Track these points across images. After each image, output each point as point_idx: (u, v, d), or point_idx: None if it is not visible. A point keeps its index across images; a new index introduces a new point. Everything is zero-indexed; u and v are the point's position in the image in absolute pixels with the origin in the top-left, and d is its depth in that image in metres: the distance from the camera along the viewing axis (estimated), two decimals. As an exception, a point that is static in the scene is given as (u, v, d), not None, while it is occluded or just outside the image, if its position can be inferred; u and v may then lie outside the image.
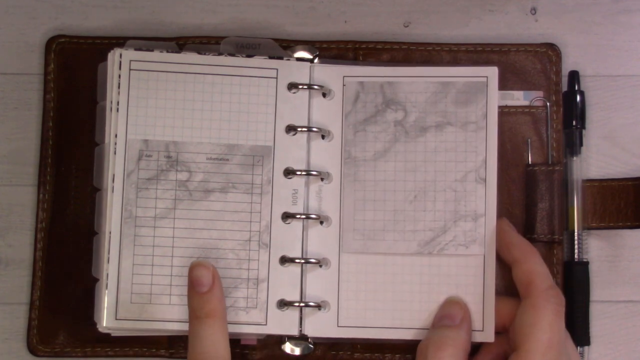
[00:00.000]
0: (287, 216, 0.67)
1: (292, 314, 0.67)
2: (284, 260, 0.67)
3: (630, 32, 0.74)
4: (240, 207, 0.67)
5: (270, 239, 0.67)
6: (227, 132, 0.67)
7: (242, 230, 0.67)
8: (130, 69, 0.66)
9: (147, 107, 0.66)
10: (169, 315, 0.66)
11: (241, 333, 0.67)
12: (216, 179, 0.66)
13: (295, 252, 0.67)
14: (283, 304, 0.67)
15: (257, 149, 0.67)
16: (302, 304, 0.67)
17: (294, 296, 0.67)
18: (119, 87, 0.66)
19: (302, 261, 0.67)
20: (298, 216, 0.67)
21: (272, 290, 0.67)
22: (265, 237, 0.67)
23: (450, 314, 0.66)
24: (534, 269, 0.65)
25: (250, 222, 0.67)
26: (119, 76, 0.66)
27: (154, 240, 0.66)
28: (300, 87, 0.68)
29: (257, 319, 0.66)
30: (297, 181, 0.68)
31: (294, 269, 0.67)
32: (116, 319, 0.65)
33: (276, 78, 0.68)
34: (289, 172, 0.67)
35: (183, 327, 0.65)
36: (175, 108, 0.67)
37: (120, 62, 0.67)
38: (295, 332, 0.67)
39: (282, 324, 0.67)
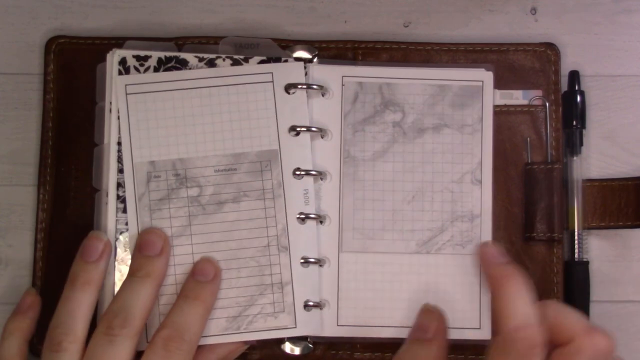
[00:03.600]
0: (303, 216, 0.67)
1: (317, 314, 0.67)
2: (305, 260, 0.67)
3: (630, 32, 0.74)
4: (254, 214, 0.66)
5: (288, 241, 0.67)
6: (231, 141, 0.67)
7: (259, 236, 0.66)
8: (126, 94, 0.66)
9: (148, 129, 0.66)
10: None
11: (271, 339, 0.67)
12: (227, 190, 0.66)
13: (314, 252, 0.67)
14: (308, 304, 0.67)
15: (263, 153, 0.67)
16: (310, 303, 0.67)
17: (315, 296, 0.67)
18: (118, 114, 0.66)
19: (317, 260, 0.67)
20: (312, 216, 0.67)
21: (297, 292, 0.66)
22: (284, 240, 0.66)
23: (423, 325, 0.62)
24: (500, 305, 0.59)
25: (267, 227, 0.66)
26: (120, 73, 0.66)
27: (174, 259, 0.66)
28: (299, 87, 0.68)
29: (286, 323, 0.66)
30: (307, 180, 0.68)
31: (314, 269, 0.67)
32: None
33: (272, 82, 0.68)
34: (298, 173, 0.67)
35: (217, 340, 0.65)
36: (177, 125, 0.66)
37: (122, 63, 0.66)
38: (320, 332, 0.67)
39: (309, 324, 0.67)
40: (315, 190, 0.68)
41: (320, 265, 0.68)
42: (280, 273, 0.66)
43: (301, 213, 0.67)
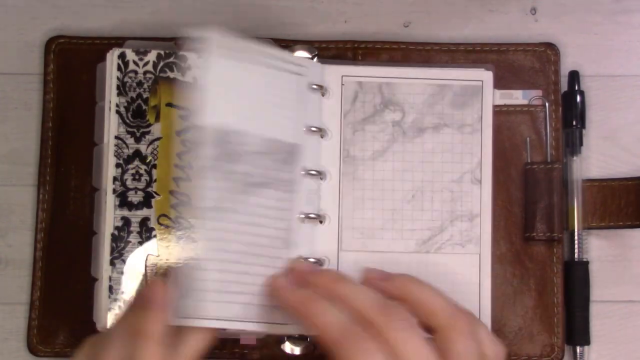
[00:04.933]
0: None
1: None
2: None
3: (630, 32, 0.75)
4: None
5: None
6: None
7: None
8: None
9: None
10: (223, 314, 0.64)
11: (243, 331, 0.67)
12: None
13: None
14: None
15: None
16: None
17: None
18: (119, 81, 0.66)
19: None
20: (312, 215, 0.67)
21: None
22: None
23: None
24: (313, 323, 0.57)
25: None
26: (119, 68, 0.66)
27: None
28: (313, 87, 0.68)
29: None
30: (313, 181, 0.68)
31: None
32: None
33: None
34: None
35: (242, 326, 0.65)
36: None
37: (122, 57, 0.66)
38: (294, 331, 0.67)
39: None
40: (314, 190, 0.68)
41: (320, 265, 0.68)
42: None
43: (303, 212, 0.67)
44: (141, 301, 0.57)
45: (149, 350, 0.54)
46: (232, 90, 0.64)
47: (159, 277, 0.63)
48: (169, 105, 0.67)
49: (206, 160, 0.62)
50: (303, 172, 0.66)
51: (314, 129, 0.67)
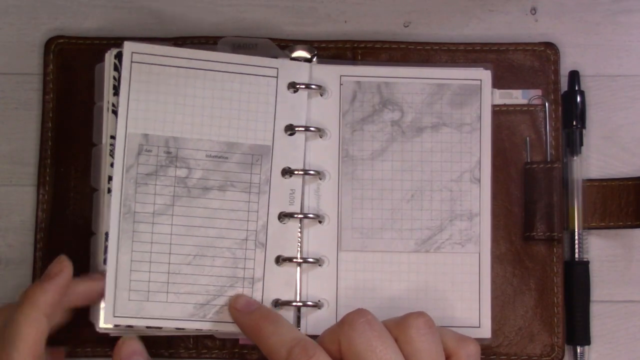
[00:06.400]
0: (283, 216, 0.67)
1: (288, 314, 0.67)
2: (280, 259, 0.67)
3: (630, 32, 0.74)
4: (238, 206, 0.66)
5: (266, 238, 0.67)
6: (227, 129, 0.67)
7: (239, 229, 0.66)
8: (132, 62, 0.66)
9: (147, 101, 0.66)
10: (166, 313, 0.65)
11: (237, 332, 0.67)
12: (215, 177, 0.66)
13: (292, 252, 0.67)
14: (278, 303, 0.66)
15: (256, 147, 0.67)
16: (299, 304, 0.67)
17: (289, 296, 0.67)
18: (115, 81, 0.66)
19: (300, 260, 0.67)
20: (295, 216, 0.67)
21: (267, 290, 0.67)
22: (262, 236, 0.67)
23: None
24: (267, 344, 0.59)
25: (248, 221, 0.67)
26: (116, 68, 0.66)
27: (152, 237, 0.66)
28: (299, 86, 0.68)
29: None
30: (295, 181, 0.68)
31: (289, 269, 0.67)
32: (114, 317, 0.64)
33: (276, 77, 0.68)
34: (286, 172, 0.67)
35: (181, 324, 0.65)
36: (176, 103, 0.66)
37: (118, 57, 0.66)
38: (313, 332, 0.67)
39: None
40: (314, 189, 0.68)
41: (319, 265, 0.68)
42: (253, 269, 0.66)
43: (283, 212, 0.67)
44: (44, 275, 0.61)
45: (29, 315, 0.59)
46: (169, 99, 0.66)
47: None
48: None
49: (142, 166, 0.65)
50: (288, 173, 0.68)
51: (298, 128, 0.68)
